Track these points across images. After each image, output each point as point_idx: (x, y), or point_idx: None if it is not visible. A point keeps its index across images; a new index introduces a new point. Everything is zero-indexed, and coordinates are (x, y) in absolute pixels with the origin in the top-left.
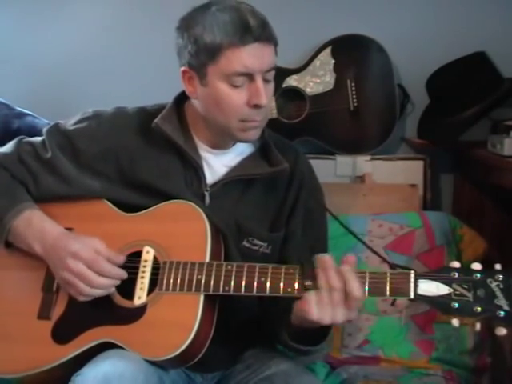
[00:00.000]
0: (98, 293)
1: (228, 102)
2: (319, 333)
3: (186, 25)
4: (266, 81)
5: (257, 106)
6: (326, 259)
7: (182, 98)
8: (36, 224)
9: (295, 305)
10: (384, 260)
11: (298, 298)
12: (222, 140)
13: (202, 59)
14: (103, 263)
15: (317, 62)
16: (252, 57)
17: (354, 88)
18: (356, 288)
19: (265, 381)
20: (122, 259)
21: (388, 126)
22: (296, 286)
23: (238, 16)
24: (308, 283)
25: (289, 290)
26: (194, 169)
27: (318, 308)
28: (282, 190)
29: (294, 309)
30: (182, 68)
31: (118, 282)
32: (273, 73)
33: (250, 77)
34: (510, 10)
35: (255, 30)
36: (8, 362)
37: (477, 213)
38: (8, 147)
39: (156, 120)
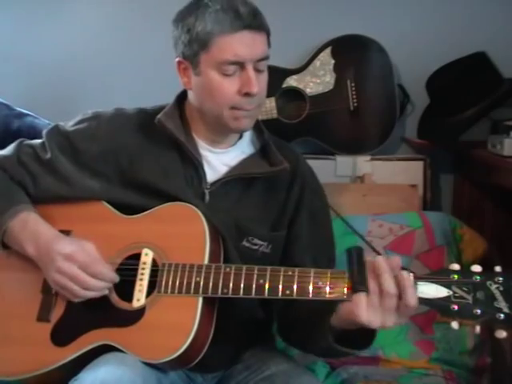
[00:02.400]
0: (92, 294)
1: (219, 90)
2: (362, 334)
3: (181, 16)
4: (258, 70)
5: (248, 95)
6: (380, 262)
7: (183, 97)
8: (31, 226)
9: (341, 306)
10: None
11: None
12: (219, 134)
13: (194, 48)
14: (98, 266)
15: (317, 62)
16: (242, 45)
17: (353, 88)
18: (413, 296)
19: (265, 381)
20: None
21: (388, 126)
22: (295, 287)
23: (229, 4)
24: (358, 286)
25: (287, 292)
26: (195, 167)
27: (369, 312)
28: (283, 190)
29: (338, 310)
30: (177, 59)
31: (110, 285)
32: (265, 63)
33: (241, 65)
34: (510, 10)
35: (246, 18)
36: (7, 364)
37: (477, 213)
38: (8, 150)
39: (159, 116)
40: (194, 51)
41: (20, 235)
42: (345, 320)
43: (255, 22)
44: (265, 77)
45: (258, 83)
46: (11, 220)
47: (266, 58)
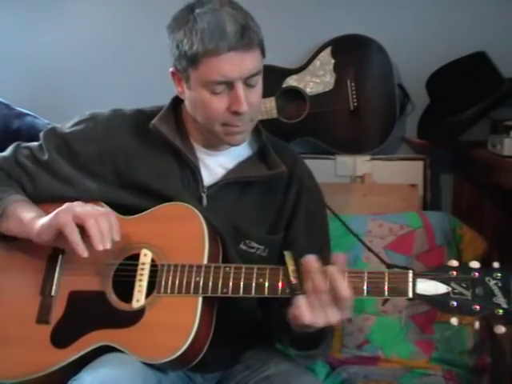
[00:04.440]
0: (94, 232)
1: (209, 108)
2: (319, 335)
3: (172, 27)
4: (249, 86)
5: (237, 113)
6: (310, 262)
7: (179, 100)
8: (34, 207)
9: (289, 312)
10: (381, 260)
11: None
12: (213, 141)
13: (183, 64)
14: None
15: (317, 62)
16: (229, 65)
17: (353, 88)
18: (343, 288)
19: (265, 381)
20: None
21: (388, 126)
22: None
23: (216, 22)
24: (296, 290)
25: (287, 290)
26: (191, 170)
27: (310, 312)
28: (280, 193)
29: (288, 316)
30: (171, 69)
31: (108, 245)
32: (257, 78)
33: (230, 84)
34: (510, 10)
35: (232, 38)
36: (7, 366)
37: (477, 213)
38: (5, 152)
39: (153, 121)
40: (183, 67)
41: (22, 208)
42: (294, 324)
43: (243, 42)
44: (257, 91)
45: (249, 99)
46: (11, 204)
47: (256, 73)
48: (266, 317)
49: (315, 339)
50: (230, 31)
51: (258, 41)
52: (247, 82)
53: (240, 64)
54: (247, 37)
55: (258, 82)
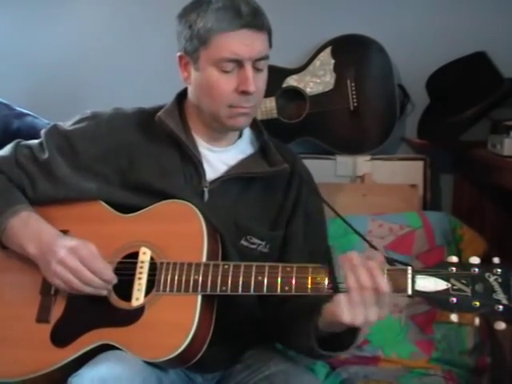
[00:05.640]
0: (90, 290)
1: (217, 88)
2: (347, 335)
3: (185, 12)
4: (257, 69)
5: (245, 93)
6: (352, 257)
7: (183, 96)
8: (33, 225)
9: (325, 308)
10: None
11: (327, 301)
12: (217, 132)
13: (195, 44)
14: (98, 263)
15: (317, 62)
16: (241, 43)
17: (353, 88)
18: (384, 283)
19: (264, 381)
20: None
21: (388, 126)
22: (293, 283)
23: (231, 3)
24: (336, 286)
25: (286, 288)
26: (194, 165)
27: (350, 310)
28: (280, 190)
29: (323, 313)
30: (179, 53)
31: (109, 287)
32: (264, 62)
33: (239, 63)
34: (510, 10)
35: (246, 17)
36: (7, 365)
37: (477, 213)
38: (5, 151)
39: (159, 114)
40: (194, 47)
41: (20, 233)
42: (330, 322)
43: (255, 22)
44: (264, 76)
45: (256, 82)
46: (11, 218)
47: (265, 57)
48: (282, 323)
49: (343, 339)
50: (244, 11)
51: (267, 27)
52: (255, 66)
53: (251, 44)
54: (260, 19)
55: (265, 67)
